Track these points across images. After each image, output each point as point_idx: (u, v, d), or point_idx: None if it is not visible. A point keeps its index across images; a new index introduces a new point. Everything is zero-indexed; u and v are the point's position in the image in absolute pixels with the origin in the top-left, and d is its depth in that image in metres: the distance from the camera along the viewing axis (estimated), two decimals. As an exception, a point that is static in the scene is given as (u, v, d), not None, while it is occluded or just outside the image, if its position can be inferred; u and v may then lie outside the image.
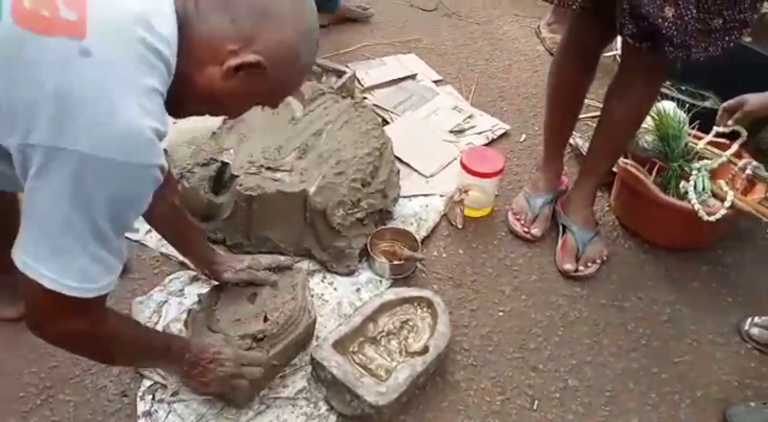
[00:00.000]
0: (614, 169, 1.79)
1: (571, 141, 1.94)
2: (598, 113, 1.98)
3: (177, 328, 1.28)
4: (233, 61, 0.83)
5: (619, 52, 2.12)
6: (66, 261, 0.80)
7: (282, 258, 1.47)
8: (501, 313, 1.56)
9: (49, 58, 0.72)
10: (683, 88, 2.19)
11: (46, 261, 0.80)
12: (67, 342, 0.95)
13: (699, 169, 1.66)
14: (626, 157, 1.75)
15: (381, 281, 1.59)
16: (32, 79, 0.72)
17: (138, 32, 0.76)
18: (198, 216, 1.62)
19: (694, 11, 1.28)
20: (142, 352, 1.09)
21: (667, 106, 1.78)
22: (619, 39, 1.93)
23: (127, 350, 1.04)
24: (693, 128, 1.81)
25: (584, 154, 1.95)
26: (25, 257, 0.81)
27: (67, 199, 0.76)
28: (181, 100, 0.85)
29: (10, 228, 1.12)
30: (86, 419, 1.25)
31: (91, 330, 0.91)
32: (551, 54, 2.54)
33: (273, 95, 0.94)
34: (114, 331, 0.97)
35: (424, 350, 1.35)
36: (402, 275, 1.61)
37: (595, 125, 1.71)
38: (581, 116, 1.90)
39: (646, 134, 1.76)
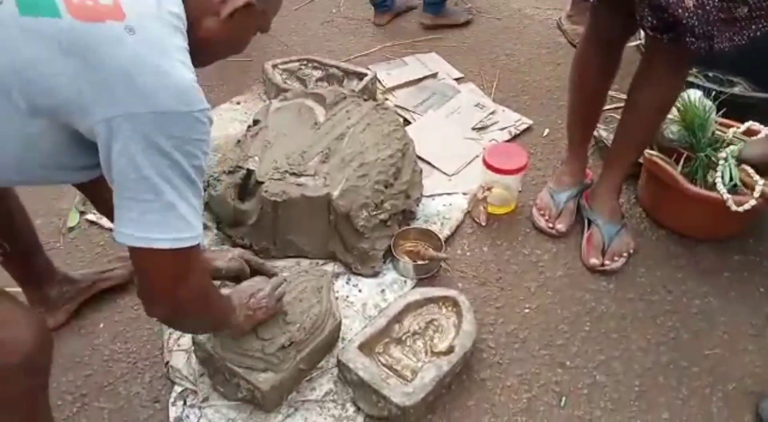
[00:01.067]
0: (640, 160, 1.76)
1: (595, 133, 1.91)
2: (622, 105, 1.95)
3: (206, 335, 1.31)
4: (226, 10, 0.95)
5: (642, 41, 2.09)
6: (171, 217, 0.87)
7: (268, 265, 1.45)
8: (527, 310, 1.55)
9: (106, 41, 0.82)
10: (710, 74, 2.14)
11: (155, 225, 0.86)
12: (193, 300, 0.97)
13: (726, 158, 1.63)
14: (652, 148, 1.72)
15: (406, 281, 1.61)
16: (98, 61, 0.81)
17: (156, 4, 0.87)
18: (225, 223, 1.66)
19: (717, 0, 1.25)
20: (222, 311, 1.14)
21: (693, 95, 1.74)
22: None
23: (217, 309, 1.10)
24: (720, 116, 1.77)
25: (609, 146, 1.92)
26: (133, 231, 0.86)
27: (157, 155, 0.84)
28: (196, 53, 0.93)
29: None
30: (121, 425, 1.30)
31: (204, 285, 1.00)
32: (573, 46, 2.51)
33: (265, 21, 1.05)
34: (214, 288, 1.08)
35: (450, 350, 1.36)
36: (426, 275, 1.62)
37: (619, 117, 1.68)
38: (605, 108, 1.87)
39: (672, 124, 1.73)
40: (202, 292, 1.00)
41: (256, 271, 1.39)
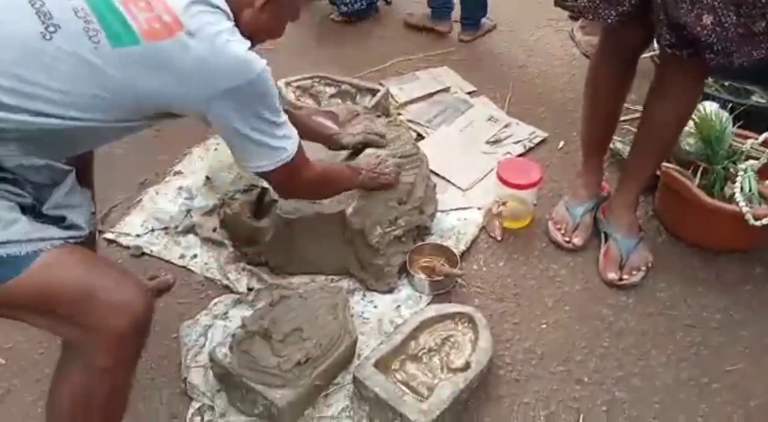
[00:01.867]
0: (657, 173, 1.74)
1: (611, 146, 1.90)
2: (638, 116, 1.94)
3: (222, 352, 1.32)
4: (258, 1, 1.13)
5: (657, 52, 2.08)
6: (267, 150, 1.15)
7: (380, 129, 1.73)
8: (544, 326, 1.54)
9: (178, 50, 1.01)
10: (726, 83, 2.12)
11: (259, 156, 1.16)
12: (309, 188, 1.35)
13: (745, 170, 1.61)
14: (669, 161, 1.71)
15: (421, 297, 1.60)
16: (177, 67, 1.02)
17: (206, 8, 1.05)
18: (241, 241, 1.68)
19: (734, 17, 1.24)
20: (343, 180, 1.48)
21: (709, 107, 1.73)
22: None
23: (336, 180, 1.46)
24: (738, 127, 1.75)
25: (625, 158, 1.91)
26: (247, 163, 1.18)
27: (242, 118, 1.09)
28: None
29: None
30: (140, 442, 1.30)
31: (314, 174, 1.29)
32: (587, 57, 2.50)
33: (295, 11, 1.25)
34: (324, 170, 1.38)
35: (466, 366, 1.35)
36: (442, 290, 1.61)
37: (635, 129, 1.67)
38: (621, 119, 1.86)
39: (688, 136, 1.72)
40: (315, 180, 1.32)
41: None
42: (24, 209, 1.00)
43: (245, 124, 1.10)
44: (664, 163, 1.69)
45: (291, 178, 1.23)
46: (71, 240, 1.03)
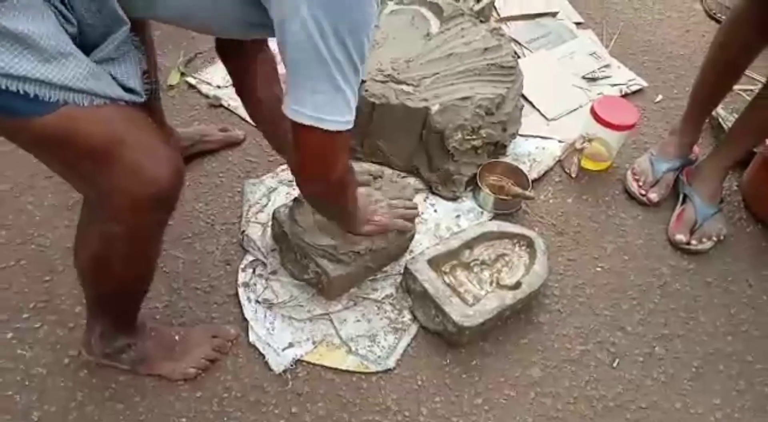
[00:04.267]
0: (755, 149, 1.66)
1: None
2: (750, 86, 1.83)
3: (285, 213, 1.33)
4: None
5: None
6: (339, 100, 0.88)
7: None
8: (599, 269, 1.52)
9: None
10: None
11: (323, 105, 0.87)
12: (333, 188, 1.04)
13: None
14: (772, 138, 1.62)
15: (482, 213, 1.58)
16: None
17: None
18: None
19: None
20: (354, 202, 1.20)
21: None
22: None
23: (351, 200, 1.18)
24: None
25: (724, 126, 1.81)
26: (306, 109, 0.88)
27: (332, 38, 0.83)
28: None
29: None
30: (192, 277, 1.35)
31: (348, 169, 1.06)
32: (709, 15, 2.34)
33: None
34: (353, 182, 1.15)
35: (517, 285, 1.34)
36: (505, 211, 1.59)
37: (745, 97, 1.57)
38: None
39: (802, 117, 1.61)
40: (346, 177, 1.05)
41: None
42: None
43: (331, 55, 0.84)
44: (768, 139, 1.60)
45: (335, 157, 0.96)
46: (121, 103, 0.87)
